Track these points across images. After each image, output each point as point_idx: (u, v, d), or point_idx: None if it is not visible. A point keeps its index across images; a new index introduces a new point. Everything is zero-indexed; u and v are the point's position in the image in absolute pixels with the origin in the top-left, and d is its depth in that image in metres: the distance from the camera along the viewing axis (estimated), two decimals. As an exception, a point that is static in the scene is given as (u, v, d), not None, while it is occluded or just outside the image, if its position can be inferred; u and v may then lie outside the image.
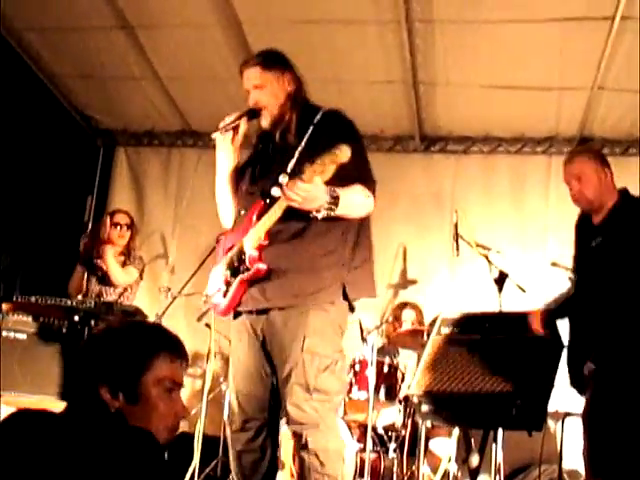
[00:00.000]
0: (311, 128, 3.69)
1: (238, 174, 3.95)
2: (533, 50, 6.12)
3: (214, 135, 3.86)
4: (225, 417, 6.05)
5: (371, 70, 6.51)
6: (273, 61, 3.83)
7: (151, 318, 6.15)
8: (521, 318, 5.11)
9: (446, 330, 4.87)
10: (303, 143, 3.66)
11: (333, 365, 3.60)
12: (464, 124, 7.21)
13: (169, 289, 6.01)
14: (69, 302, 5.33)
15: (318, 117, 3.74)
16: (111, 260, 6.15)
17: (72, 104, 7.51)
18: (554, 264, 6.83)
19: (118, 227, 6.29)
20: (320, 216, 3.50)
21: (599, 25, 5.78)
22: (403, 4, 5.77)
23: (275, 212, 3.58)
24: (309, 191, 3.39)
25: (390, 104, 6.89)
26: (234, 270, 3.72)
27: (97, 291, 6.21)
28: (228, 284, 3.74)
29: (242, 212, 3.81)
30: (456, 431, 5.41)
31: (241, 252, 3.69)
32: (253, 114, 3.80)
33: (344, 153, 3.38)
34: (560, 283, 6.79)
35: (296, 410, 3.52)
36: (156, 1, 6.16)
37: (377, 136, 7.30)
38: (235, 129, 3.82)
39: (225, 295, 3.75)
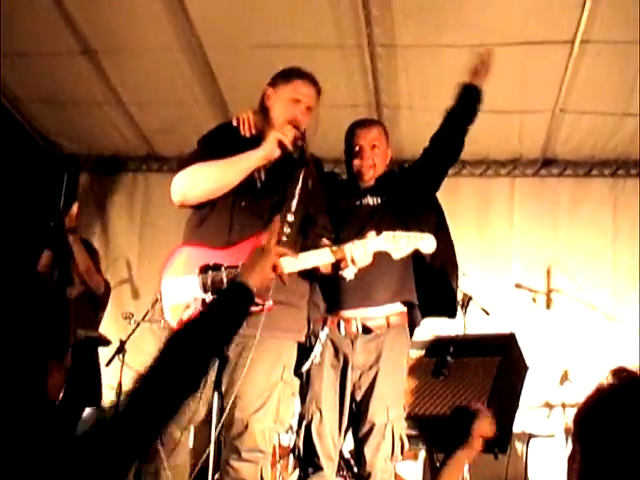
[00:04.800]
0: (303, 171, 3.67)
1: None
2: (495, 74, 5.92)
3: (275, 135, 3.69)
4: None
5: (335, 94, 6.43)
6: (320, 91, 3.89)
7: (115, 344, 6.11)
8: (485, 341, 5.16)
9: (412, 353, 4.88)
10: (299, 187, 3.63)
11: None
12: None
13: (132, 315, 5.97)
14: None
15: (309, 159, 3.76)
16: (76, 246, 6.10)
17: (35, 129, 7.45)
18: (518, 285, 6.90)
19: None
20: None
21: (559, 48, 5.85)
22: (365, 29, 5.79)
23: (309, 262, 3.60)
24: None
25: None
26: None
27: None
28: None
29: (236, 227, 3.66)
30: (422, 454, 5.42)
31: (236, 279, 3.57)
32: (303, 138, 3.74)
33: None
34: (525, 304, 6.88)
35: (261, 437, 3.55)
36: (119, 26, 6.11)
37: (341, 160, 7.26)
38: (282, 147, 3.68)
39: None
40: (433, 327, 4.99)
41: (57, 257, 6.17)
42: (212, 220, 3.73)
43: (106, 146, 7.66)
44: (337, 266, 3.63)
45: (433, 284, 4.23)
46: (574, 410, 1.81)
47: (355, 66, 6.24)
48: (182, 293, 3.60)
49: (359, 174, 4.35)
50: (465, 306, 5.49)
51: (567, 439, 6.10)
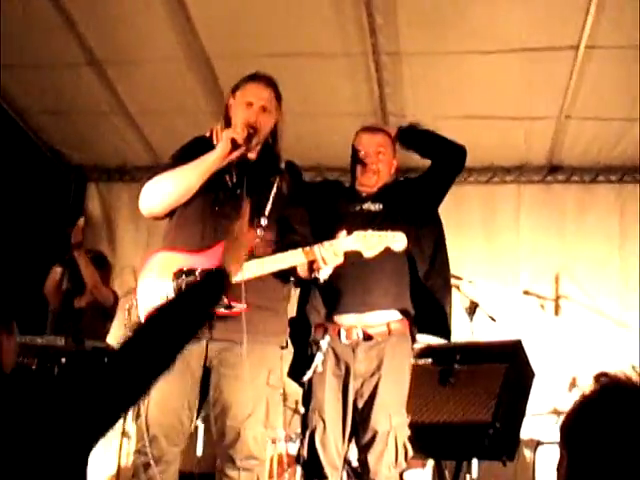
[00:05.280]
0: (279, 176, 3.76)
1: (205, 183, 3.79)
2: (500, 80, 6.17)
3: (227, 134, 3.70)
4: (199, 453, 6.05)
5: (340, 102, 6.53)
6: (279, 91, 3.90)
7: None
8: (492, 348, 5.15)
9: (418, 361, 4.88)
10: (275, 189, 3.72)
11: None
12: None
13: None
14: (39, 340, 5.29)
15: (283, 165, 3.83)
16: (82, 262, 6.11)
17: (42, 140, 7.47)
18: (526, 292, 6.89)
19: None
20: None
21: (564, 54, 5.84)
22: (369, 37, 5.81)
23: (282, 263, 3.61)
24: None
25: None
26: None
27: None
28: None
29: (210, 231, 3.65)
30: (430, 462, 5.41)
31: None
32: (255, 133, 3.74)
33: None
34: (533, 311, 6.87)
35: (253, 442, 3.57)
36: (124, 37, 6.15)
37: (346, 169, 7.26)
38: (236, 145, 3.69)
39: None
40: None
41: (67, 271, 6.17)
42: (187, 225, 3.73)
43: (112, 156, 7.68)
44: (311, 268, 3.63)
45: (425, 302, 4.22)
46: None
47: (360, 74, 6.26)
48: (157, 298, 3.56)
49: (362, 179, 4.34)
50: (472, 313, 5.48)
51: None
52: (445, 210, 7.40)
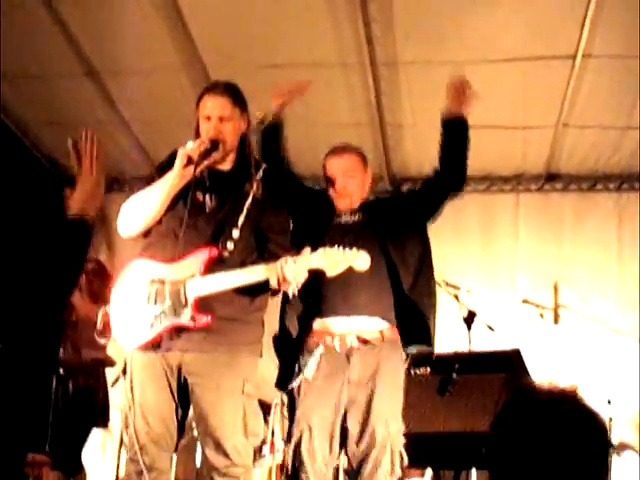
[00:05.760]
0: (256, 184, 3.77)
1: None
2: (497, 89, 6.12)
3: (182, 151, 3.73)
4: (198, 464, 6.04)
5: (337, 113, 6.55)
6: (241, 96, 3.85)
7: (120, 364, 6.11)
8: (491, 357, 5.15)
9: (416, 370, 4.95)
10: (250, 198, 3.73)
11: None
12: (433, 164, 7.21)
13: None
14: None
15: (260, 174, 3.83)
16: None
17: (40, 150, 7.48)
18: (525, 301, 6.88)
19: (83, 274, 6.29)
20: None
21: (561, 64, 5.86)
22: (367, 47, 5.83)
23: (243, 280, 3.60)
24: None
25: (357, 146, 6.85)
26: (169, 310, 3.61)
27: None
28: (154, 320, 3.63)
29: (182, 241, 3.63)
30: (429, 472, 5.40)
31: (179, 293, 3.61)
32: (214, 147, 3.72)
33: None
34: (532, 320, 6.86)
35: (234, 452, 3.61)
36: (121, 47, 6.16)
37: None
38: (191, 161, 3.69)
39: (148, 331, 3.63)
40: (437, 344, 4.97)
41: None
42: (160, 239, 3.76)
43: (110, 166, 7.63)
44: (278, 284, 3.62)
45: (408, 314, 4.22)
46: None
47: (357, 84, 6.27)
48: (129, 307, 3.68)
49: (336, 202, 4.33)
50: (470, 323, 5.44)
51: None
52: (443, 219, 7.37)
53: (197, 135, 3.82)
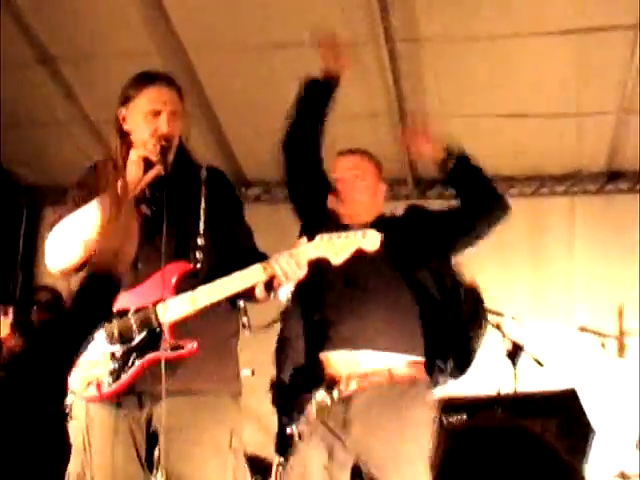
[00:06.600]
0: (204, 186, 3.80)
1: None
2: (544, 69, 6.21)
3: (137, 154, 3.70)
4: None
5: (348, 101, 6.38)
6: (180, 88, 3.87)
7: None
8: (540, 399, 5.15)
9: (448, 417, 5.01)
10: (203, 202, 3.77)
11: None
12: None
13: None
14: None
15: (204, 173, 3.86)
16: None
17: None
18: (583, 329, 6.85)
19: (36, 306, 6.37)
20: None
21: (622, 35, 5.87)
22: (380, 21, 5.86)
23: (237, 285, 3.62)
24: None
25: (374, 141, 6.61)
26: (141, 344, 3.62)
27: None
28: (124, 360, 3.62)
29: (140, 263, 3.63)
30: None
31: (150, 321, 3.62)
32: (168, 146, 3.73)
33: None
34: (591, 352, 6.83)
35: None
36: (84, 30, 6.21)
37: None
38: (150, 164, 3.68)
39: (118, 374, 3.61)
40: (476, 383, 5.03)
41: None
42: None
43: (73, 174, 7.61)
44: (270, 287, 3.61)
45: (440, 348, 4.26)
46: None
47: (371, 66, 6.30)
48: (89, 350, 3.58)
49: (339, 210, 4.38)
50: (515, 357, 5.48)
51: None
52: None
53: (122, 138, 3.81)
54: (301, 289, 4.11)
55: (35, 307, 6.41)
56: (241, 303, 4.02)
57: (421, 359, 4.21)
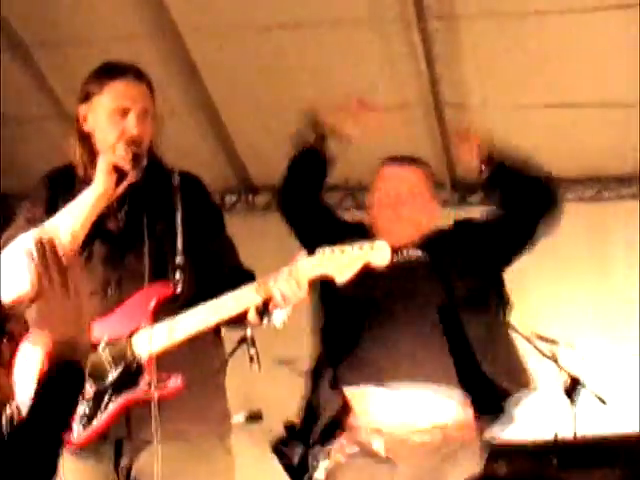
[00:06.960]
0: (179, 195, 3.74)
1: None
2: (602, 51, 6.07)
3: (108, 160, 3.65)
4: None
5: (372, 90, 6.32)
6: (151, 82, 3.86)
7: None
8: (602, 445, 5.15)
9: (495, 467, 4.75)
10: (179, 214, 3.71)
11: None
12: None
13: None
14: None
15: (177, 180, 3.79)
16: None
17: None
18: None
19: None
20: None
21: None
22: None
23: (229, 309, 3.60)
24: None
25: (404, 137, 6.74)
26: (116, 383, 3.56)
27: None
28: (96, 403, 3.56)
29: (112, 287, 3.65)
30: None
31: (125, 355, 3.57)
32: (140, 151, 3.72)
33: None
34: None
35: None
36: (59, 10, 6.03)
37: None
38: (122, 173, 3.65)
39: (89, 419, 3.55)
40: (528, 427, 4.85)
41: None
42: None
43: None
44: (264, 311, 3.57)
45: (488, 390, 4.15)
46: None
47: (400, 49, 6.22)
48: None
49: (388, 230, 4.26)
50: (572, 394, 5.43)
51: None
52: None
53: (82, 141, 3.78)
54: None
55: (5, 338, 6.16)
56: (248, 332, 4.38)
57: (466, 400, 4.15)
